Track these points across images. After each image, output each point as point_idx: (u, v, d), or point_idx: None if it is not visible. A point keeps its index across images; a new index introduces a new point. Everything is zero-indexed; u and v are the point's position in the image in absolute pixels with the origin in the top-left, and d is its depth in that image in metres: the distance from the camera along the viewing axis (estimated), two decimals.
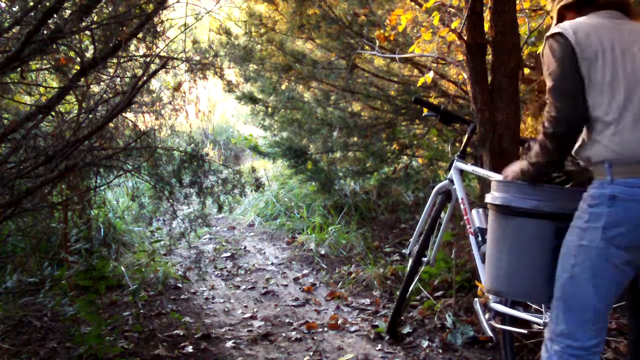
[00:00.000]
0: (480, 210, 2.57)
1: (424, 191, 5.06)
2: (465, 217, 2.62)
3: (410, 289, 2.96)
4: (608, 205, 1.60)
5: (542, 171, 1.85)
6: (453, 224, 3.61)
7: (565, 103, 1.68)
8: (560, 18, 1.85)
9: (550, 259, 1.80)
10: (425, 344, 2.90)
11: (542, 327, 2.16)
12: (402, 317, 3.14)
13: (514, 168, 1.94)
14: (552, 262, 1.78)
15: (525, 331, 2.30)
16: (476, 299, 2.50)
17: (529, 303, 2.27)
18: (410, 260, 2.91)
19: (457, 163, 2.75)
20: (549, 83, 1.71)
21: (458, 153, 2.78)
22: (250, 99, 5.14)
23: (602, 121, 1.63)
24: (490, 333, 2.38)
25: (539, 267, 1.83)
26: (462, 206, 2.65)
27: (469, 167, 2.71)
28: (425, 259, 2.92)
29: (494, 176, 2.42)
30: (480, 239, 2.49)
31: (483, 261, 2.33)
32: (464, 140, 2.80)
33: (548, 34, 1.75)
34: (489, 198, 2.00)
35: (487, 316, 2.41)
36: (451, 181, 2.77)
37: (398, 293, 2.99)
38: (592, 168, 1.67)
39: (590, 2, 1.77)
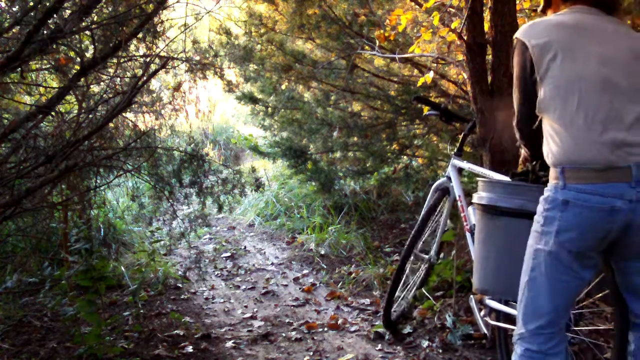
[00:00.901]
0: (475, 208, 2.58)
1: (424, 191, 5.06)
2: (462, 215, 2.63)
3: (400, 280, 2.98)
4: (561, 209, 1.59)
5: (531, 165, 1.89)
6: (453, 224, 3.62)
7: (522, 105, 1.75)
8: (547, 3, 1.86)
9: None
10: (425, 344, 2.90)
11: None
12: (400, 314, 3.14)
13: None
14: None
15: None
16: (472, 296, 2.51)
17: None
18: (402, 253, 2.93)
19: (454, 161, 2.78)
20: (514, 87, 1.78)
21: (455, 151, 2.80)
22: (250, 99, 5.14)
23: (556, 125, 1.62)
24: (485, 330, 2.39)
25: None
26: (459, 203, 2.67)
27: (465, 165, 2.73)
28: (426, 257, 2.94)
29: (489, 174, 2.44)
30: None
31: None
32: (461, 138, 2.83)
33: (516, 34, 1.77)
34: (475, 198, 2.02)
35: (482, 313, 2.42)
36: (449, 179, 2.79)
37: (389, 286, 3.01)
38: (550, 171, 1.67)
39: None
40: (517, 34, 1.76)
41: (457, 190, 2.72)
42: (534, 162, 1.95)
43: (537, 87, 1.69)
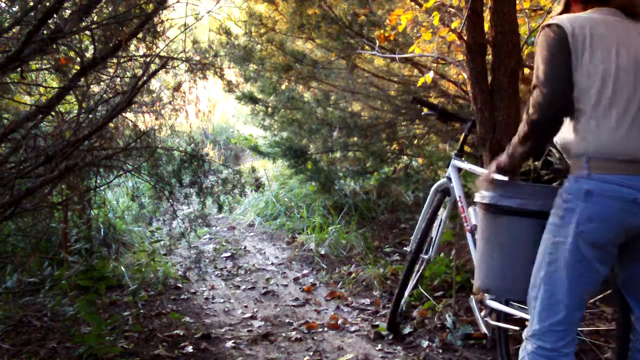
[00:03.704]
0: (477, 207, 2.57)
1: (424, 191, 5.06)
2: (462, 215, 2.63)
3: (408, 285, 2.97)
4: (583, 200, 1.58)
5: (518, 163, 1.84)
6: (453, 224, 3.62)
7: (552, 89, 1.65)
8: (567, 8, 1.85)
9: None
10: (425, 344, 2.90)
11: None
12: (401, 314, 3.14)
13: (492, 165, 1.93)
14: None
15: (519, 328, 2.30)
16: (472, 296, 2.51)
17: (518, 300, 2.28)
18: (408, 258, 2.93)
19: (455, 161, 2.77)
20: (539, 70, 1.69)
21: (455, 151, 2.80)
22: (250, 99, 5.14)
23: (586, 114, 1.61)
24: (485, 330, 2.39)
25: (527, 265, 1.82)
26: (459, 204, 2.66)
27: (465, 165, 2.72)
28: (426, 257, 2.93)
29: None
30: (477, 236, 2.50)
31: None
32: (462, 138, 2.82)
33: (545, 23, 1.74)
34: (477, 197, 2.01)
35: (482, 313, 2.42)
36: (449, 179, 2.79)
37: (396, 290, 3.01)
38: (570, 161, 1.65)
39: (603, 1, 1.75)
40: (550, 21, 1.71)
41: (457, 191, 2.71)
42: (536, 161, 1.94)
43: (568, 74, 1.64)
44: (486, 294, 2.37)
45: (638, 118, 1.58)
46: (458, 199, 2.68)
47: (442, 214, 2.89)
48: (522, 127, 1.74)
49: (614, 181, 1.55)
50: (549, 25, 1.71)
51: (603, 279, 1.66)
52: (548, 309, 1.66)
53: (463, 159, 2.79)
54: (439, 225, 2.89)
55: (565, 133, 1.68)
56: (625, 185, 1.55)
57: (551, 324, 1.65)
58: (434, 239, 2.91)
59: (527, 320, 2.23)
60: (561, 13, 1.86)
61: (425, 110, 2.99)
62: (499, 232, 1.91)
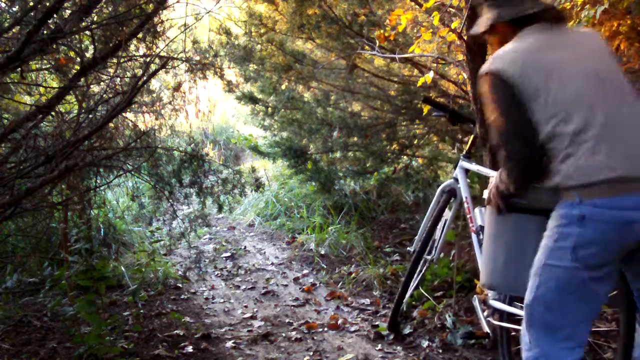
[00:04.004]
0: (483, 209, 2.57)
1: (424, 191, 5.06)
2: (468, 216, 2.62)
3: (411, 286, 2.96)
4: (578, 225, 1.56)
5: (505, 199, 1.84)
6: (455, 224, 3.62)
7: (516, 146, 1.67)
8: (491, 29, 1.80)
9: None
10: (425, 344, 2.90)
11: None
12: (402, 315, 3.14)
13: (494, 189, 1.92)
14: None
15: (522, 328, 2.31)
16: (475, 295, 2.50)
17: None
18: (412, 258, 2.92)
19: (462, 162, 2.76)
20: (496, 124, 1.69)
21: (464, 152, 2.79)
22: (250, 99, 5.14)
23: (560, 152, 1.58)
24: (487, 329, 2.39)
25: (532, 263, 1.84)
26: (465, 205, 2.65)
27: (473, 167, 2.71)
28: (429, 257, 2.93)
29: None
30: (482, 237, 2.50)
31: None
32: (470, 140, 2.81)
33: (484, 69, 1.70)
34: (485, 194, 2.01)
35: (485, 313, 2.42)
36: (456, 180, 2.78)
37: (398, 290, 3.00)
38: (561, 190, 1.62)
39: (529, 18, 1.73)
40: (487, 68, 1.69)
41: (464, 192, 2.71)
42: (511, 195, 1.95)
43: (527, 125, 1.63)
44: (490, 293, 2.37)
45: (613, 136, 1.55)
46: (464, 200, 2.67)
47: (448, 215, 2.89)
48: (505, 178, 1.75)
49: (604, 205, 1.53)
50: (491, 74, 1.67)
51: (604, 299, 1.63)
52: (546, 331, 1.64)
53: (471, 160, 2.77)
54: (444, 226, 2.88)
55: (547, 171, 1.64)
56: (616, 208, 1.52)
57: (553, 343, 1.63)
58: (437, 240, 2.91)
59: None
60: (483, 33, 1.83)
61: (426, 109, 2.99)
62: (506, 228, 1.91)
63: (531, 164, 1.67)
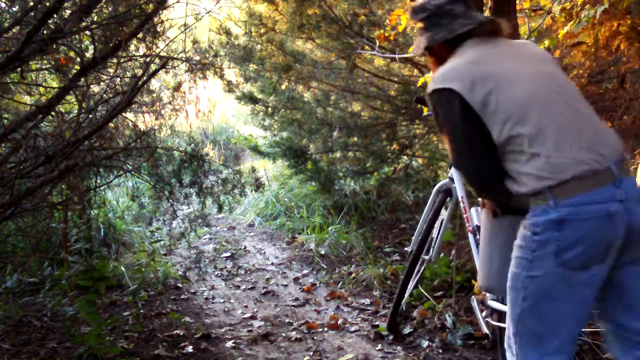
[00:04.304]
0: (479, 208, 2.57)
1: (424, 191, 5.06)
2: (464, 215, 2.62)
3: (409, 286, 2.96)
4: (557, 229, 1.50)
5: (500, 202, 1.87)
6: (452, 224, 3.61)
7: (471, 165, 1.67)
8: (440, 55, 1.79)
9: None
10: (425, 344, 2.90)
11: None
12: (401, 315, 3.14)
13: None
14: None
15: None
16: (474, 296, 2.50)
17: None
18: (410, 258, 2.92)
19: None
20: (450, 143, 1.68)
21: None
22: (250, 99, 5.14)
23: (523, 155, 1.55)
24: (486, 330, 2.38)
25: None
26: (461, 204, 2.66)
27: None
28: (427, 257, 2.93)
29: None
30: (478, 236, 2.50)
31: None
32: None
33: (430, 89, 1.68)
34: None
35: (484, 314, 2.41)
36: (452, 179, 2.78)
37: (397, 290, 3.01)
38: (531, 198, 1.57)
39: (463, 35, 1.72)
40: (434, 86, 1.67)
41: (460, 191, 2.71)
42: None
43: (480, 127, 1.61)
44: (488, 294, 2.37)
45: (572, 132, 1.54)
46: (460, 199, 2.68)
47: (444, 214, 2.89)
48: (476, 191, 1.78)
49: (581, 202, 1.49)
50: (438, 91, 1.65)
51: (592, 303, 1.60)
52: (534, 342, 1.59)
53: None
54: (440, 225, 2.88)
55: (513, 179, 1.61)
56: (594, 202, 1.49)
57: (543, 355, 1.57)
58: (435, 240, 2.91)
59: None
60: (434, 62, 1.82)
61: (425, 110, 2.99)
62: (502, 231, 1.91)
63: (490, 181, 1.67)
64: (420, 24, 1.79)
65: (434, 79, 1.69)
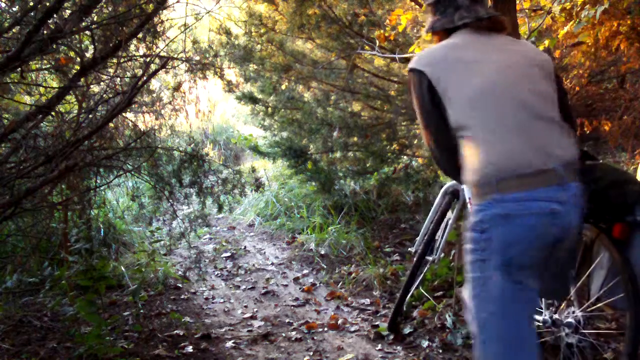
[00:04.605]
0: None
1: (424, 191, 5.06)
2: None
3: (412, 286, 2.96)
4: (501, 224, 1.51)
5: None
6: (457, 225, 3.61)
7: (433, 138, 1.74)
8: (439, 38, 1.87)
9: None
10: (425, 344, 2.90)
11: (541, 325, 2.17)
12: (402, 315, 3.14)
13: None
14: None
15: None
16: None
17: None
18: (415, 259, 2.92)
19: None
20: (419, 117, 1.77)
21: None
22: (250, 99, 5.14)
23: (478, 141, 1.58)
24: None
25: None
26: (469, 206, 2.65)
27: None
28: (431, 258, 2.93)
29: None
30: None
31: None
32: None
33: (409, 66, 1.75)
34: None
35: None
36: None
37: (400, 290, 3.00)
38: (478, 189, 1.59)
39: (463, 25, 1.77)
40: (410, 65, 1.74)
41: (467, 192, 2.70)
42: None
43: (444, 112, 1.67)
44: None
45: (524, 129, 1.57)
46: (468, 201, 2.67)
47: (450, 216, 2.89)
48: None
49: (525, 198, 1.50)
50: (412, 71, 1.73)
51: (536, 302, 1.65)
52: (495, 346, 1.60)
53: None
54: (446, 227, 2.88)
55: (466, 165, 1.65)
56: (538, 199, 1.51)
57: (505, 356, 1.58)
58: (440, 241, 2.91)
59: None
60: (436, 41, 1.88)
61: None
62: None
63: (446, 162, 1.76)
64: (429, 6, 1.88)
65: (413, 59, 1.76)
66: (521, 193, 1.51)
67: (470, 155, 1.60)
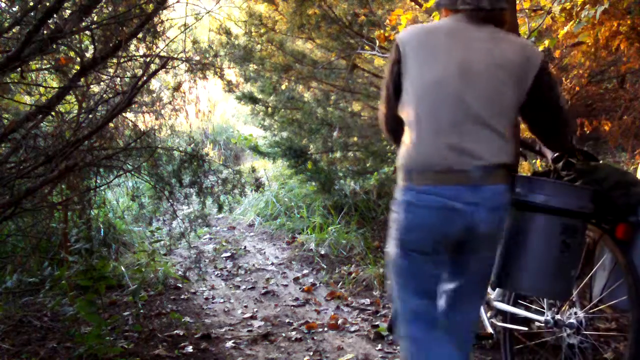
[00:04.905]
0: None
1: None
2: None
3: None
4: (405, 210, 1.65)
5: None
6: None
7: (383, 106, 1.82)
8: (441, 15, 1.90)
9: (556, 254, 1.82)
10: None
11: (543, 325, 2.17)
12: None
13: None
14: (558, 257, 1.82)
15: (526, 329, 2.31)
16: None
17: (530, 300, 2.28)
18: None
19: None
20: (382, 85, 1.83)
21: None
22: (250, 99, 5.14)
23: (410, 128, 1.67)
24: (491, 329, 2.39)
25: (544, 262, 1.84)
26: None
27: None
28: None
29: None
30: None
31: None
32: None
33: (396, 35, 1.81)
34: None
35: (488, 314, 2.42)
36: None
37: None
38: (400, 175, 1.70)
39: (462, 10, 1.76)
40: (397, 35, 1.79)
41: None
42: (558, 162, 1.99)
43: (395, 94, 1.73)
44: (493, 294, 2.38)
45: (451, 129, 1.61)
46: None
47: None
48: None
49: (428, 191, 1.61)
50: (395, 41, 1.76)
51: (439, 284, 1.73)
52: (401, 312, 1.74)
53: None
54: None
55: (399, 148, 1.74)
56: (440, 195, 1.60)
57: (405, 321, 1.73)
58: None
59: (532, 320, 2.25)
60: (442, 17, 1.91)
61: None
62: (518, 227, 1.91)
63: (388, 127, 1.85)
64: None
65: (402, 30, 1.82)
66: (427, 187, 1.62)
67: (403, 142, 1.70)
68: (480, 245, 1.69)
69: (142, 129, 3.39)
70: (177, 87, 3.55)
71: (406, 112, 1.68)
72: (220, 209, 3.64)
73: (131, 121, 3.58)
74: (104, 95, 2.88)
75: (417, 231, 1.64)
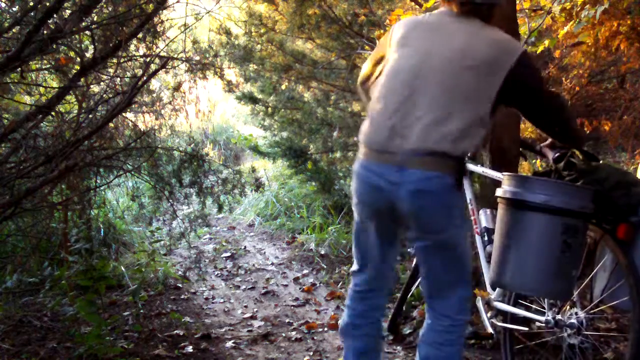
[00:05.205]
0: (488, 210, 2.57)
1: None
2: (472, 218, 2.61)
3: (413, 286, 2.96)
4: (354, 180, 1.87)
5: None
6: None
7: (367, 68, 1.98)
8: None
9: (557, 254, 1.82)
10: None
11: (544, 325, 2.17)
12: (402, 315, 3.13)
13: None
14: (559, 257, 1.81)
15: (526, 329, 2.31)
16: (479, 297, 2.50)
17: (531, 300, 2.28)
18: (415, 260, 2.91)
19: (467, 164, 2.74)
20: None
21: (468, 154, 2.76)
22: (250, 99, 5.14)
23: (369, 110, 1.84)
24: (491, 330, 2.38)
25: (545, 262, 1.84)
26: (470, 206, 2.64)
27: (478, 169, 2.69)
28: None
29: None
30: (486, 238, 2.50)
31: (488, 261, 2.33)
32: None
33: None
34: (499, 192, 2.01)
35: (489, 314, 2.41)
36: None
37: (400, 290, 3.00)
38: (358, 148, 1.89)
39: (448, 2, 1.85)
40: (397, 23, 1.93)
41: (468, 193, 2.68)
42: (559, 163, 2.03)
43: (373, 69, 1.93)
44: (494, 294, 2.37)
45: (396, 113, 1.74)
46: (469, 201, 2.66)
47: None
48: None
49: (365, 166, 1.80)
50: (396, 24, 1.92)
51: (387, 245, 1.92)
52: (354, 259, 2.02)
53: (476, 162, 2.75)
54: None
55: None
56: (371, 171, 1.78)
57: (354, 270, 2.01)
58: None
59: (533, 320, 2.25)
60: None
61: None
62: (519, 227, 1.91)
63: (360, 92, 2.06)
64: None
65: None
66: (365, 162, 1.81)
67: (366, 117, 1.88)
68: (411, 222, 1.79)
69: (142, 129, 3.39)
70: (177, 87, 3.55)
71: (372, 92, 1.85)
72: (220, 209, 3.64)
73: (131, 121, 3.58)
74: (104, 95, 2.88)
75: (359, 200, 1.87)
